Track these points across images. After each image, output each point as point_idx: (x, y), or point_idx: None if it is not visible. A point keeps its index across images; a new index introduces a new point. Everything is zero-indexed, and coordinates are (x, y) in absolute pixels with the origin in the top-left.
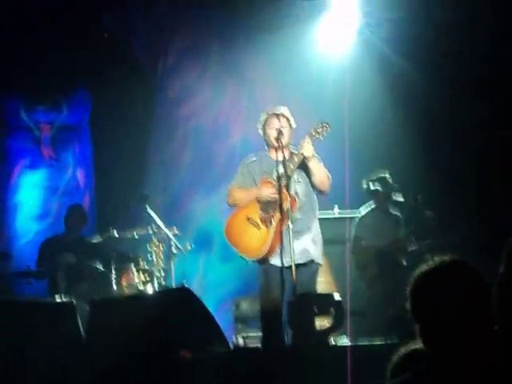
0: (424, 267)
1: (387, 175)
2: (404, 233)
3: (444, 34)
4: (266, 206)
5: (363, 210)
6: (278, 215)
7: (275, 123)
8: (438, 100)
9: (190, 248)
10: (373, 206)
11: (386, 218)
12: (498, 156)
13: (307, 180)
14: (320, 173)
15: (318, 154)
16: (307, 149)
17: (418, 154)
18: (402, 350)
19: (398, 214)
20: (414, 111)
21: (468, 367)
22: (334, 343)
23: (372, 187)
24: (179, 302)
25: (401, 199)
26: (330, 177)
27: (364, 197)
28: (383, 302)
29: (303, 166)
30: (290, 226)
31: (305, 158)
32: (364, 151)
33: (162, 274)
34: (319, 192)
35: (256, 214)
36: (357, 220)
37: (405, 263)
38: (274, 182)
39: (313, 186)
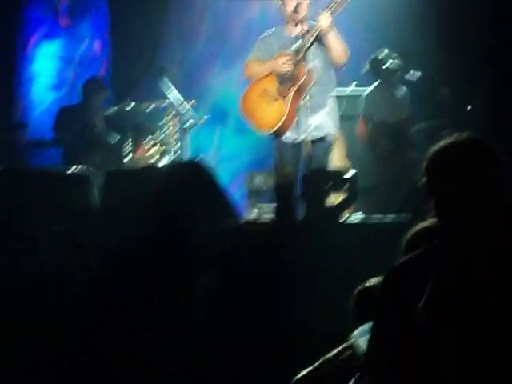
0: (441, 143)
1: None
2: (410, 111)
3: None
4: (283, 79)
5: (370, 89)
6: (294, 89)
7: None
8: None
9: (205, 119)
10: (378, 82)
11: (394, 94)
12: None
13: (325, 54)
14: (338, 46)
15: (337, 28)
16: (325, 21)
17: (438, 35)
18: (416, 228)
19: (406, 89)
20: None
21: (479, 244)
22: (345, 219)
23: (390, 61)
24: (192, 174)
25: (418, 74)
26: (349, 51)
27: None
28: (397, 178)
29: (321, 40)
30: (307, 99)
31: (322, 30)
32: (384, 29)
33: (178, 145)
34: (337, 66)
35: (273, 86)
36: (363, 97)
37: (413, 140)
38: (291, 55)
39: (330, 59)
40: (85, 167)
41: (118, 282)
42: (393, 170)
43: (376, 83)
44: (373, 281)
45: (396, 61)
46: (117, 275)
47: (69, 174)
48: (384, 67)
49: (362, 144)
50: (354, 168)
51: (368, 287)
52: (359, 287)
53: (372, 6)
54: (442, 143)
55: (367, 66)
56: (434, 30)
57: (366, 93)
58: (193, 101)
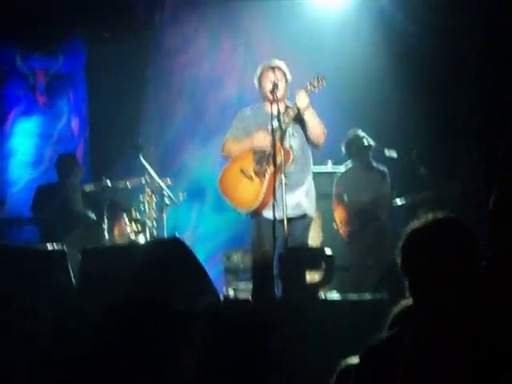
0: (416, 223)
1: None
2: (388, 188)
3: None
4: (260, 158)
5: (343, 169)
6: (271, 168)
7: (271, 76)
8: (435, 54)
9: (182, 198)
10: (351, 165)
11: (368, 174)
12: (495, 109)
13: (302, 134)
14: (315, 125)
15: (313, 107)
16: (302, 101)
17: (414, 110)
18: (402, 304)
19: (384, 169)
20: (412, 67)
21: (453, 322)
22: (323, 297)
23: (365, 142)
24: (170, 253)
25: (394, 154)
26: (325, 130)
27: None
28: (363, 258)
29: (299, 120)
30: (283, 179)
31: (300, 110)
32: (359, 107)
33: (155, 225)
34: (314, 145)
35: (250, 166)
36: (337, 177)
37: (387, 219)
38: (269, 133)
39: (308, 138)
40: (60, 245)
41: (95, 360)
42: (361, 250)
43: (349, 164)
44: (351, 359)
45: (369, 141)
46: (95, 354)
47: (45, 251)
48: (357, 148)
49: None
50: (327, 246)
51: (347, 366)
52: (339, 366)
53: (347, 85)
54: (415, 224)
55: (343, 148)
56: (409, 108)
57: (338, 174)
58: (168, 179)
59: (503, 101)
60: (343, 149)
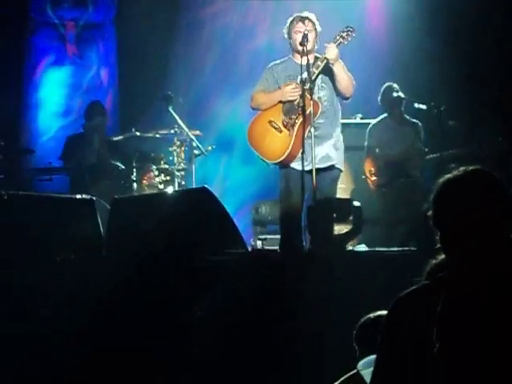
0: (448, 175)
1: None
2: (419, 143)
3: None
4: (288, 110)
5: (376, 120)
6: (300, 120)
7: (301, 27)
8: (467, 5)
9: (211, 149)
10: (384, 115)
11: (400, 127)
12: None
13: (331, 86)
14: (344, 77)
15: (343, 60)
16: (331, 52)
17: (445, 65)
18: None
19: (417, 122)
20: (442, 22)
21: (484, 276)
22: (350, 250)
23: (395, 94)
24: (199, 203)
25: (423, 107)
26: (354, 82)
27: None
28: (393, 211)
29: (328, 72)
30: (312, 131)
31: (329, 61)
32: (390, 60)
33: (183, 175)
34: (343, 97)
35: (279, 117)
36: (369, 128)
37: (417, 173)
38: (298, 85)
39: (337, 90)
40: (89, 196)
41: (121, 308)
42: (391, 203)
43: (381, 116)
44: (378, 313)
45: (399, 94)
46: (121, 302)
47: (74, 199)
48: (388, 100)
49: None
50: (357, 199)
51: (373, 319)
52: (364, 319)
53: (377, 39)
54: (448, 176)
55: (379, 100)
56: (439, 61)
57: (370, 125)
58: (198, 131)
59: None
60: (379, 100)
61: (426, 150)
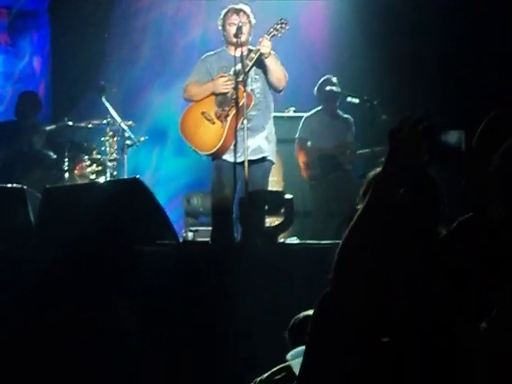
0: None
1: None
2: (351, 137)
3: None
4: (221, 101)
5: (309, 113)
6: (233, 111)
7: (235, 19)
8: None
9: (143, 140)
10: (318, 108)
11: (333, 120)
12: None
13: (264, 78)
14: (277, 70)
15: (276, 53)
16: (265, 45)
17: (379, 59)
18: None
19: (349, 117)
20: (378, 17)
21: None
22: (283, 242)
23: (328, 88)
24: (130, 193)
25: (356, 100)
26: (287, 74)
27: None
28: (325, 204)
29: (261, 64)
30: (245, 122)
31: (262, 54)
32: (324, 54)
33: (115, 166)
34: (275, 89)
35: (211, 109)
36: (302, 121)
37: (350, 166)
38: (232, 77)
39: (269, 83)
40: (20, 185)
41: (51, 299)
42: (324, 196)
43: (316, 109)
44: (308, 312)
45: (333, 88)
46: (51, 292)
47: (4, 188)
48: (322, 93)
49: (297, 168)
50: (289, 192)
51: (303, 317)
52: (295, 318)
53: (311, 32)
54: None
55: (315, 91)
56: (373, 56)
57: (304, 117)
58: (130, 122)
59: (468, 61)
60: (315, 92)
61: (358, 144)
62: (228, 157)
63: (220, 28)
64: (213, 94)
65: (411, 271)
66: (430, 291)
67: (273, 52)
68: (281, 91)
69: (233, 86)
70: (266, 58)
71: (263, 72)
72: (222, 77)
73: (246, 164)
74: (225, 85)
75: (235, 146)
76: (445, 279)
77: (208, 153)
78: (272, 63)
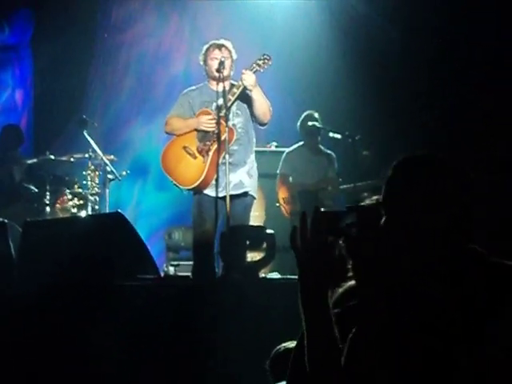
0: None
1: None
2: (333, 173)
3: None
4: (203, 136)
5: (291, 148)
6: (214, 146)
7: (217, 54)
8: (386, 41)
9: (125, 174)
10: (300, 143)
11: (315, 156)
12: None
13: (247, 113)
14: (262, 103)
15: (260, 87)
16: (248, 79)
17: (361, 96)
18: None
19: (331, 152)
20: (361, 52)
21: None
22: (264, 277)
23: (310, 123)
24: (112, 227)
25: (338, 136)
26: (271, 108)
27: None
28: None
29: (244, 99)
30: (227, 157)
31: (246, 88)
32: (307, 89)
33: (97, 200)
34: (260, 123)
35: (193, 143)
36: (283, 156)
37: (330, 202)
38: (213, 113)
39: (254, 116)
40: (1, 219)
41: (30, 331)
42: None
43: (297, 144)
44: (289, 344)
45: (315, 123)
46: (30, 325)
47: None
48: (304, 128)
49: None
50: (271, 227)
51: (284, 349)
52: (275, 350)
53: (295, 66)
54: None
55: (298, 126)
56: (355, 92)
57: (285, 152)
58: (112, 156)
59: (450, 91)
60: (298, 127)
61: (340, 180)
62: (209, 191)
63: (202, 63)
64: (195, 129)
65: None
66: None
67: (257, 85)
68: (265, 124)
69: (215, 122)
70: (250, 91)
71: (247, 106)
72: (205, 113)
73: (228, 199)
74: (208, 123)
75: (217, 180)
76: None
77: (189, 187)
78: (258, 96)
